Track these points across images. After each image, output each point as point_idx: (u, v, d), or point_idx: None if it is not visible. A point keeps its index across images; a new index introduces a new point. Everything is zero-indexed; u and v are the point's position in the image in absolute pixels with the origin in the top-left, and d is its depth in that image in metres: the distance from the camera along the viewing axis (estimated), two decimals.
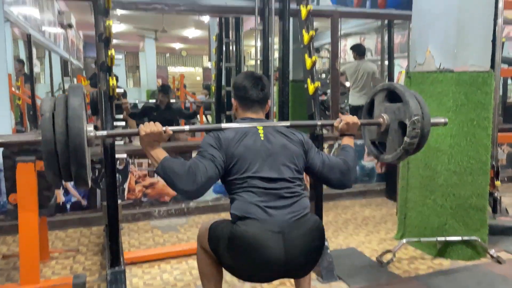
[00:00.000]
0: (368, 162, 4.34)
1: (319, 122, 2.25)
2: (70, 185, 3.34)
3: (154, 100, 5.63)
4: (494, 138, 2.87)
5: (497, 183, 2.99)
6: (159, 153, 1.67)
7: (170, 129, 1.68)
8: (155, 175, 3.60)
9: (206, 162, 1.64)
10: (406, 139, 1.86)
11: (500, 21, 2.94)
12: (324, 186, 2.16)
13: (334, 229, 3.32)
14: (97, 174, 3.39)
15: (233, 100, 1.89)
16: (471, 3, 2.50)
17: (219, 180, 1.73)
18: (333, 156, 1.88)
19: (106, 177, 2.26)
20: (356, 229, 3.32)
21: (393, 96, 1.98)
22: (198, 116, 6.32)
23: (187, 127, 1.85)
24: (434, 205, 2.67)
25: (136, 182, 3.54)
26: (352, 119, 1.93)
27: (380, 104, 2.05)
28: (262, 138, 1.75)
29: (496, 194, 3.04)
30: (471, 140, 2.55)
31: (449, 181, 2.59)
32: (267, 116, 2.10)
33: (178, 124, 5.31)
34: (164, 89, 5.10)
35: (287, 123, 1.87)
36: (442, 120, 2.05)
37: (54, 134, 1.43)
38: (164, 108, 4.86)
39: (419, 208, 2.78)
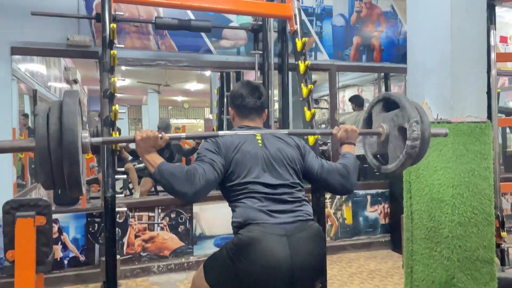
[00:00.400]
0: (372, 212, 4.29)
1: (317, 131, 2.25)
2: (68, 239, 3.29)
3: None
4: (497, 188, 2.86)
5: (504, 234, 2.93)
6: (156, 158, 1.61)
7: (167, 136, 1.64)
8: (155, 228, 3.55)
9: (205, 165, 1.61)
10: (407, 142, 1.83)
11: (493, 72, 3.02)
12: (328, 239, 2.13)
13: (340, 284, 3.21)
14: (96, 228, 3.35)
15: (230, 109, 1.90)
16: (464, 56, 2.58)
17: (220, 191, 1.71)
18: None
19: (106, 231, 2.23)
20: (362, 283, 3.22)
21: (389, 105, 1.98)
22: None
23: (183, 134, 1.78)
24: (441, 258, 2.60)
25: (136, 236, 3.48)
26: (351, 127, 1.92)
27: (378, 116, 2.04)
28: (260, 144, 1.74)
29: (503, 246, 2.97)
30: (473, 190, 2.54)
31: (454, 233, 2.54)
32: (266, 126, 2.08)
33: (174, 160, 5.38)
34: (163, 125, 5.20)
35: (286, 131, 1.87)
36: (443, 131, 2.02)
37: (48, 131, 1.39)
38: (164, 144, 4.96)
39: (425, 261, 2.71)
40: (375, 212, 4.30)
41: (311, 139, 2.67)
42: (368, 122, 2.12)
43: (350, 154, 1.89)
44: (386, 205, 4.34)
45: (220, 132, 1.74)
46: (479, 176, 2.56)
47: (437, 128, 2.02)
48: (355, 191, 4.24)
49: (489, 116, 2.70)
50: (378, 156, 2.08)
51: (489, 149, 2.60)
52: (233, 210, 1.67)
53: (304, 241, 1.58)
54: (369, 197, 4.29)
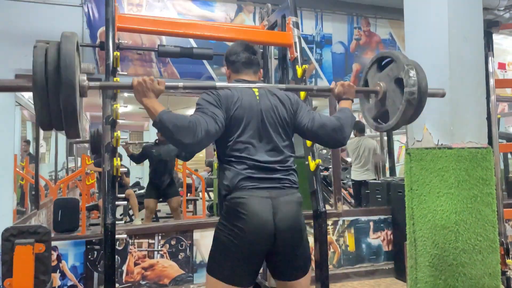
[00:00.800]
0: (375, 239, 4.23)
1: (315, 87, 2.30)
2: (66, 267, 3.24)
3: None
4: (500, 214, 2.83)
5: (509, 261, 2.89)
6: (157, 105, 1.62)
7: (163, 79, 1.69)
8: (155, 255, 3.50)
9: (207, 118, 1.64)
10: (405, 89, 1.86)
11: (493, 98, 3.05)
12: (330, 266, 2.10)
13: None
14: (95, 256, 3.30)
15: (225, 68, 1.95)
16: (463, 82, 2.61)
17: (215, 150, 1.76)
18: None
19: (105, 259, 2.19)
20: None
21: (384, 66, 2.06)
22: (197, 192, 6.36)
23: (181, 83, 1.81)
24: (446, 286, 2.55)
25: (135, 264, 3.43)
26: (348, 82, 1.95)
27: (374, 78, 2.10)
28: (258, 100, 1.78)
29: (508, 273, 2.92)
30: (476, 216, 2.51)
31: (458, 260, 2.50)
32: None
33: (173, 164, 5.44)
34: None
35: (283, 86, 1.91)
36: (441, 91, 2.12)
37: (46, 67, 1.40)
38: (163, 145, 5.12)
39: None
40: (378, 239, 4.24)
41: (312, 164, 2.66)
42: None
43: (346, 109, 1.91)
44: (389, 232, 4.29)
45: (218, 84, 1.76)
46: (482, 202, 2.54)
47: (435, 90, 2.09)
48: (357, 217, 4.20)
49: (490, 142, 2.70)
50: (378, 119, 2.12)
51: (491, 175, 2.59)
52: (222, 172, 1.73)
53: (285, 204, 1.70)
54: (371, 224, 4.25)
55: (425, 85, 1.93)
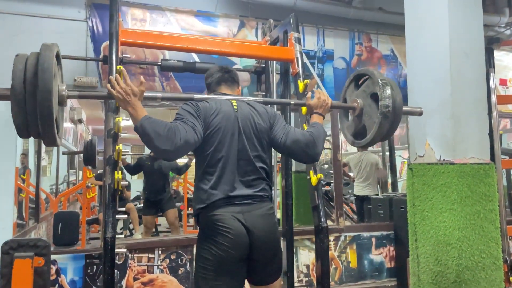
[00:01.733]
0: (377, 255, 4.19)
1: (292, 101, 2.38)
2: (65, 281, 3.21)
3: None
4: (504, 231, 2.80)
5: None
6: (140, 111, 1.69)
7: (145, 94, 1.77)
8: (155, 270, 3.47)
9: (186, 127, 1.69)
10: (380, 103, 1.96)
11: (495, 114, 3.05)
12: (332, 283, 2.11)
13: None
14: (94, 270, 3.27)
15: (206, 93, 2.01)
16: (464, 98, 2.61)
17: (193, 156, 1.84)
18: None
19: (104, 274, 2.17)
20: None
21: (360, 83, 2.18)
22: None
23: (159, 94, 1.91)
24: None
25: (135, 279, 3.40)
26: (325, 95, 2.01)
27: (352, 95, 2.20)
28: (236, 110, 1.85)
29: None
30: (479, 233, 2.49)
31: (462, 277, 2.47)
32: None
33: (168, 178, 5.43)
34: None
35: (261, 99, 1.97)
36: (418, 109, 2.29)
37: (25, 70, 1.47)
38: (157, 159, 5.13)
39: None
40: (380, 255, 4.20)
41: (313, 179, 2.65)
42: (345, 111, 2.29)
43: (318, 124, 1.96)
44: (392, 248, 4.24)
45: (196, 96, 1.81)
46: (485, 218, 2.52)
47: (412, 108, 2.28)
48: (359, 233, 4.16)
49: (492, 158, 2.69)
50: (357, 136, 2.22)
51: (494, 191, 2.57)
52: (199, 185, 1.82)
53: (257, 217, 1.81)
54: (373, 240, 4.21)
55: (400, 100, 2.01)
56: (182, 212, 6.20)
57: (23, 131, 1.53)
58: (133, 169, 5.31)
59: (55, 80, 1.49)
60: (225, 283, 1.76)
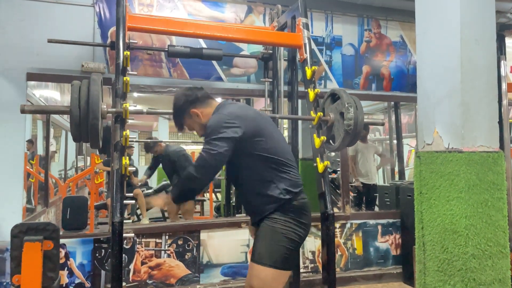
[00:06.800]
0: (383, 243, 4.20)
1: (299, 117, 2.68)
2: (74, 265, 3.26)
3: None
4: (511, 220, 2.79)
5: None
6: (165, 198, 2.13)
7: (130, 109, 2.37)
8: (162, 254, 3.52)
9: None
10: (345, 122, 2.51)
11: (505, 102, 3.02)
12: (338, 269, 2.24)
13: None
14: (103, 254, 3.32)
15: (193, 111, 2.15)
16: (474, 86, 2.58)
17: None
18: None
19: (112, 258, 2.20)
20: None
21: (336, 99, 2.68)
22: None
23: (145, 110, 2.62)
24: None
25: (142, 263, 3.44)
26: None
27: (328, 108, 2.74)
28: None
29: None
30: (487, 221, 2.48)
31: (468, 265, 2.47)
32: None
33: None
34: (148, 147, 5.52)
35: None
36: (380, 121, 2.99)
37: (79, 98, 2.06)
38: (171, 146, 5.47)
39: None
40: (386, 243, 4.21)
41: (320, 166, 2.65)
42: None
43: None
44: (398, 236, 4.25)
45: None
46: (493, 207, 2.50)
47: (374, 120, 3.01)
48: (365, 221, 4.17)
49: (502, 146, 2.67)
50: (330, 140, 2.74)
51: (502, 179, 2.55)
52: (277, 179, 2.03)
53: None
54: (379, 227, 4.21)
55: (362, 119, 2.53)
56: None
57: (77, 139, 2.15)
58: (153, 168, 5.59)
59: (99, 104, 2.11)
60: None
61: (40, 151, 5.58)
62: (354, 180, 5.66)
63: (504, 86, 3.01)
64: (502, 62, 3.06)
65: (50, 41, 3.13)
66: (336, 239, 3.96)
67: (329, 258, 2.50)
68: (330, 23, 4.28)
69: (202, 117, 2.13)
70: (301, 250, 3.73)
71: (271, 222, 2.02)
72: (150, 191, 6.33)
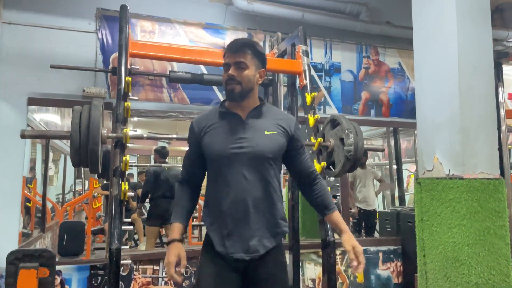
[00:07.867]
0: (384, 271, 4.13)
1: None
2: None
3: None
4: None
5: None
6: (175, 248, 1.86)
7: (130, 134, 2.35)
8: (159, 282, 3.45)
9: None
10: (345, 148, 2.52)
11: (504, 128, 3.03)
12: None
13: None
14: (99, 281, 3.26)
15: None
16: (473, 112, 2.59)
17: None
18: None
19: (109, 285, 2.16)
20: None
21: (336, 125, 2.71)
22: None
23: (145, 135, 2.72)
24: None
25: None
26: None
27: (328, 134, 2.76)
28: None
29: None
30: (489, 250, 2.45)
31: None
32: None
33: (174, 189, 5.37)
34: (162, 152, 5.32)
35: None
36: (380, 147, 3.11)
37: (80, 123, 2.09)
38: (169, 170, 5.30)
39: None
40: (387, 270, 4.14)
41: (317, 166, 2.64)
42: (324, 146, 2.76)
43: None
44: (399, 263, 4.18)
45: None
46: (495, 234, 2.48)
47: (374, 146, 2.96)
48: (366, 248, 4.11)
49: (502, 173, 2.66)
50: (330, 166, 2.73)
51: (503, 206, 2.53)
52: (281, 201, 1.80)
53: None
54: (380, 254, 4.15)
55: (362, 145, 2.53)
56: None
57: (77, 164, 2.15)
58: (151, 185, 5.26)
59: (100, 129, 2.13)
60: None
61: (39, 174, 5.56)
62: (351, 206, 5.62)
63: (502, 113, 3.04)
64: (500, 89, 3.09)
65: (52, 66, 3.15)
66: (336, 266, 3.90)
67: (330, 286, 2.45)
68: (329, 50, 4.34)
69: None
70: (301, 277, 3.66)
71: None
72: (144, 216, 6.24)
